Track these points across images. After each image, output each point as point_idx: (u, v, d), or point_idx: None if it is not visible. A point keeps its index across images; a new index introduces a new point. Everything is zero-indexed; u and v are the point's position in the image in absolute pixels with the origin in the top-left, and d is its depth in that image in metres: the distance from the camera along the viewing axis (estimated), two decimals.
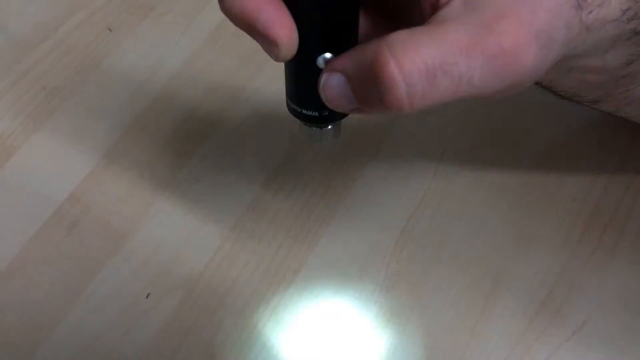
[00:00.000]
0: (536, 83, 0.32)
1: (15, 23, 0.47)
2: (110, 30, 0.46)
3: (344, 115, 0.28)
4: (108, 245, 0.37)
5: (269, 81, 0.43)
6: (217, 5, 0.48)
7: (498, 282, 0.35)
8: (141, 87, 0.43)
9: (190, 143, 0.41)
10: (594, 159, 0.39)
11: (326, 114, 0.27)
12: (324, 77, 0.24)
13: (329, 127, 0.28)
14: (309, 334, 0.34)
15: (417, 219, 0.37)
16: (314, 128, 0.28)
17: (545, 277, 0.35)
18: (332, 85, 0.23)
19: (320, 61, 0.24)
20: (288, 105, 0.28)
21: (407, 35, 0.21)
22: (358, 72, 0.23)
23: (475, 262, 0.36)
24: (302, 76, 0.26)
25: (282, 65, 0.46)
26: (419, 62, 0.21)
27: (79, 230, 0.38)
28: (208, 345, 0.34)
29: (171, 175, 0.40)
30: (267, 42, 0.23)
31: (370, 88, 0.22)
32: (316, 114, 0.27)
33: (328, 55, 0.24)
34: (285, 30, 0.23)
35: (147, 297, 0.35)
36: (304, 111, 0.27)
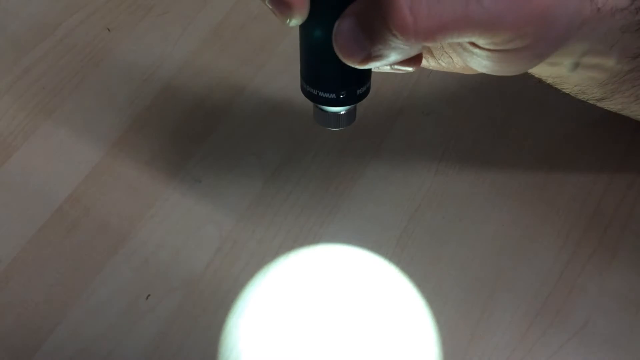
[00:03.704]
0: (542, 82, 0.32)
1: (14, 23, 0.47)
2: (109, 30, 0.46)
3: (362, 97, 0.27)
4: (108, 246, 0.37)
5: (269, 81, 0.43)
6: (216, 5, 0.48)
7: (499, 282, 0.35)
8: (140, 87, 0.43)
9: (190, 143, 0.41)
10: (595, 158, 0.39)
11: (342, 95, 0.26)
12: (335, 25, 0.23)
13: (344, 111, 0.28)
14: (310, 334, 0.34)
15: (417, 219, 0.37)
16: (329, 112, 0.27)
17: (546, 278, 0.35)
18: (343, 29, 0.23)
19: None
20: (303, 89, 0.27)
21: None
22: (365, 6, 0.22)
23: (476, 263, 0.36)
24: (319, 56, 0.26)
25: (281, 65, 0.46)
26: None
27: (78, 231, 0.38)
28: (208, 347, 0.34)
29: (171, 176, 0.39)
30: (280, 4, 0.23)
31: (376, 16, 0.21)
32: (333, 95, 0.26)
33: None
34: None
35: (147, 298, 0.35)
36: (321, 93, 0.26)
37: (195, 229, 0.38)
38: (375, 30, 0.22)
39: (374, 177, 0.39)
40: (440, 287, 0.35)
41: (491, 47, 0.24)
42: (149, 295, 0.35)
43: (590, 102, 0.32)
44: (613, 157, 0.39)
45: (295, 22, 0.24)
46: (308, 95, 0.27)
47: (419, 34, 0.21)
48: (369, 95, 0.28)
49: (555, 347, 0.33)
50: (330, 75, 0.26)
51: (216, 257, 0.37)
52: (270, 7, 0.24)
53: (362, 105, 0.29)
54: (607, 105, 0.32)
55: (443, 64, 0.30)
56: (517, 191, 0.38)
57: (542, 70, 0.30)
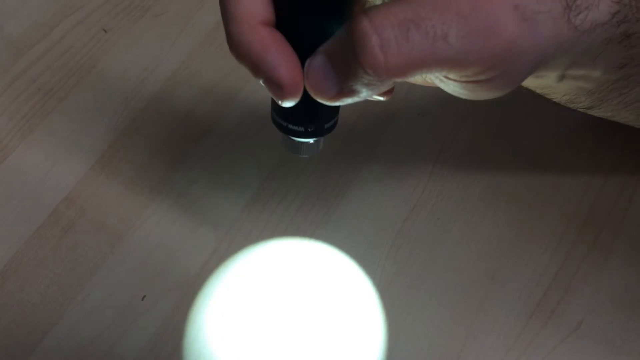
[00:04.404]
0: (530, 91, 0.32)
1: (10, 24, 0.47)
2: (106, 32, 0.46)
3: (329, 130, 0.28)
4: (103, 247, 0.37)
5: None
6: (213, 6, 0.48)
7: (493, 283, 0.35)
8: (137, 88, 0.43)
9: (186, 144, 0.41)
10: (589, 160, 0.39)
11: (312, 129, 0.27)
12: (307, 62, 0.24)
13: (312, 141, 0.28)
14: (306, 335, 0.34)
15: (412, 220, 0.37)
16: (297, 141, 0.28)
17: (540, 278, 0.35)
18: (314, 67, 0.23)
19: None
20: (273, 119, 0.28)
21: (383, 4, 0.22)
22: (337, 45, 0.23)
23: (471, 264, 0.36)
24: None
25: None
26: (391, 17, 0.21)
27: (74, 232, 0.38)
28: (204, 347, 0.34)
29: (167, 177, 0.40)
30: (272, 84, 0.23)
31: (347, 55, 0.22)
32: (302, 129, 0.27)
33: None
34: (290, 73, 0.23)
35: (142, 299, 0.35)
36: (290, 126, 0.27)
37: (192, 230, 0.38)
38: (346, 67, 0.23)
39: (370, 179, 0.39)
40: (435, 287, 0.35)
41: (462, 79, 0.24)
42: (144, 296, 0.36)
43: (581, 110, 0.33)
44: (607, 159, 0.39)
45: (288, 104, 0.24)
46: (277, 125, 0.28)
47: (390, 70, 0.22)
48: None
49: (550, 348, 0.33)
50: (299, 110, 0.26)
51: (212, 258, 0.37)
52: (264, 86, 0.24)
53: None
54: (597, 112, 0.33)
55: (428, 80, 0.30)
56: (511, 192, 0.38)
57: (529, 82, 0.30)
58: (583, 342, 0.34)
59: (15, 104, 0.43)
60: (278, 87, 0.23)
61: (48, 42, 0.46)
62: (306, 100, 0.24)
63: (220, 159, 0.40)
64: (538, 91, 0.32)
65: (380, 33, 0.21)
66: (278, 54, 0.23)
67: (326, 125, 0.27)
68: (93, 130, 0.42)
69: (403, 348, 0.34)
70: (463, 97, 0.26)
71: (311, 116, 0.26)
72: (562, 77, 0.28)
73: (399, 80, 0.23)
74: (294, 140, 0.28)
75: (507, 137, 0.40)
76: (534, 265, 0.36)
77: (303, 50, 0.23)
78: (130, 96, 0.43)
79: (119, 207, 0.39)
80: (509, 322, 0.34)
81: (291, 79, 0.23)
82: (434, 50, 0.22)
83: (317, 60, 0.23)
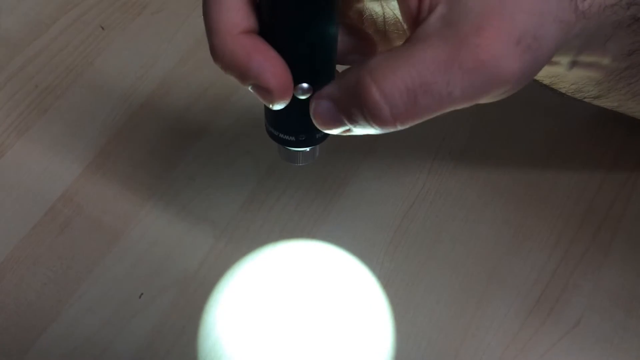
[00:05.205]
0: (537, 82, 0.32)
1: (7, 21, 0.46)
2: (103, 29, 0.46)
3: (322, 139, 0.28)
4: (101, 244, 0.37)
5: None
6: None
7: (492, 280, 0.35)
8: (134, 85, 0.43)
9: (184, 142, 0.41)
10: (588, 157, 0.39)
11: (303, 138, 0.27)
12: (312, 105, 0.25)
13: (307, 148, 0.28)
14: (304, 333, 0.34)
15: (411, 217, 0.37)
16: (292, 150, 0.28)
17: (539, 276, 0.35)
18: (321, 111, 0.24)
19: (298, 91, 0.24)
20: (266, 128, 0.28)
21: (385, 59, 0.22)
22: (344, 97, 0.24)
23: (469, 261, 0.36)
24: None
25: None
26: (399, 84, 0.22)
27: (71, 230, 0.38)
28: (201, 345, 0.34)
29: (164, 174, 0.39)
30: (261, 90, 0.24)
31: (357, 112, 0.23)
32: (293, 138, 0.27)
33: (305, 85, 0.24)
34: (277, 78, 0.23)
35: (140, 296, 0.35)
36: (282, 135, 0.27)
37: (189, 228, 0.38)
38: (356, 121, 0.23)
39: (368, 176, 0.39)
40: (433, 285, 0.35)
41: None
42: (142, 293, 0.35)
43: (587, 100, 0.32)
44: (606, 156, 0.39)
45: (278, 106, 0.24)
46: (270, 134, 0.28)
47: (398, 127, 0.23)
48: None
49: (549, 345, 0.33)
50: (290, 121, 0.26)
51: (210, 255, 0.36)
52: (253, 92, 0.24)
53: None
54: (604, 102, 0.32)
55: None
56: (510, 189, 0.38)
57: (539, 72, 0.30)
58: (581, 339, 0.33)
59: (12, 101, 0.43)
60: (267, 92, 0.24)
61: (45, 39, 0.45)
62: (297, 110, 0.25)
63: (218, 156, 0.40)
64: (546, 81, 0.31)
65: (390, 102, 0.22)
66: (262, 60, 0.23)
67: (318, 135, 0.28)
68: (90, 127, 0.41)
69: (402, 345, 0.34)
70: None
71: (302, 126, 0.27)
72: (572, 65, 0.28)
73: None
74: (289, 150, 0.28)
75: (506, 135, 0.40)
76: (533, 262, 0.36)
77: (287, 54, 0.24)
78: (128, 93, 0.43)
79: (116, 204, 0.38)
80: (507, 319, 0.34)
81: (278, 82, 0.23)
82: (441, 105, 0.22)
83: (324, 105, 0.24)
